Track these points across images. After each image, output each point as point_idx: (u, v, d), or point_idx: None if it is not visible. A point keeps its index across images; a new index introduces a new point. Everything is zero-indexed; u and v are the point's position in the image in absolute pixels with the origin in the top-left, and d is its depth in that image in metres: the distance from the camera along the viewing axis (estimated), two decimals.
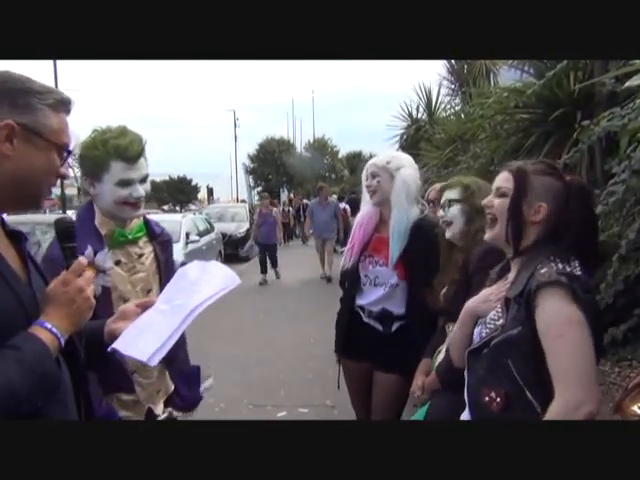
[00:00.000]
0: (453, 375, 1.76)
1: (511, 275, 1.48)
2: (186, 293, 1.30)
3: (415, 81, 25.22)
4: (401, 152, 2.66)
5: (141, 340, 1.24)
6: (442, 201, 2.14)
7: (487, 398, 1.38)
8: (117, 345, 1.24)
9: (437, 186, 2.41)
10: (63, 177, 1.18)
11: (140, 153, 1.89)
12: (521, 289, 1.35)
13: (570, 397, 1.24)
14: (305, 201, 20.51)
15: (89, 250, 1.72)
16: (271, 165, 36.88)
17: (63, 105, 1.15)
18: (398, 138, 11.80)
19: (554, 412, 1.25)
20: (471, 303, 1.54)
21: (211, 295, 1.27)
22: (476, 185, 2.10)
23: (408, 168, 2.48)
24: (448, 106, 10.46)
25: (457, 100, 10.14)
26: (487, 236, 1.51)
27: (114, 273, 1.85)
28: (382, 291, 2.43)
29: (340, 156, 38.73)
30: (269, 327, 7.05)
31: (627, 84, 3.11)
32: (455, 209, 2.09)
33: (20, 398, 0.98)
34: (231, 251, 13.73)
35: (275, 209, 11.99)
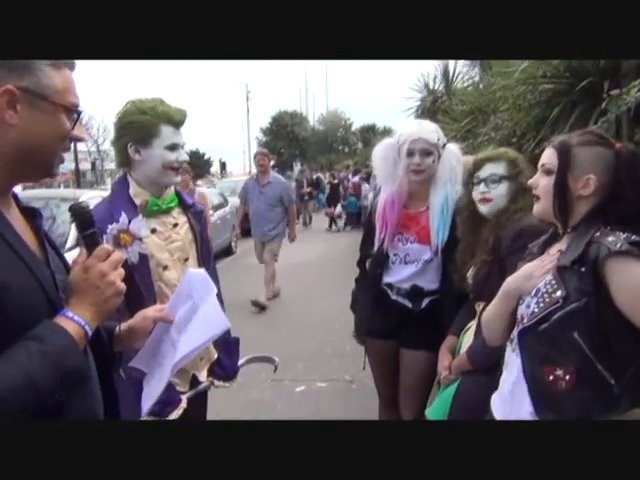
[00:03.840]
0: (487, 357, 1.72)
1: (557, 247, 1.43)
2: (184, 327, 1.28)
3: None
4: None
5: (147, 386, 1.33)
6: (483, 175, 1.97)
7: (551, 377, 1.32)
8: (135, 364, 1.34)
9: (470, 158, 2.25)
10: (77, 140, 1.11)
11: (185, 118, 1.98)
12: (577, 256, 1.30)
13: None
14: (318, 174, 19.25)
15: (123, 217, 1.76)
16: (284, 138, 36.61)
17: (65, 62, 1.05)
18: (414, 110, 11.59)
19: None
20: (513, 281, 1.47)
21: (195, 348, 1.26)
22: (522, 162, 2.00)
23: (452, 145, 2.38)
24: (466, 77, 10.22)
25: (476, 70, 9.90)
26: (535, 211, 1.46)
27: (150, 241, 1.90)
28: (414, 268, 2.36)
29: (353, 129, 38.30)
30: (284, 302, 7.04)
31: None
32: (503, 187, 1.94)
33: (44, 394, 0.93)
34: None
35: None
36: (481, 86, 7.70)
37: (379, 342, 2.50)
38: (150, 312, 1.31)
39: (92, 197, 6.48)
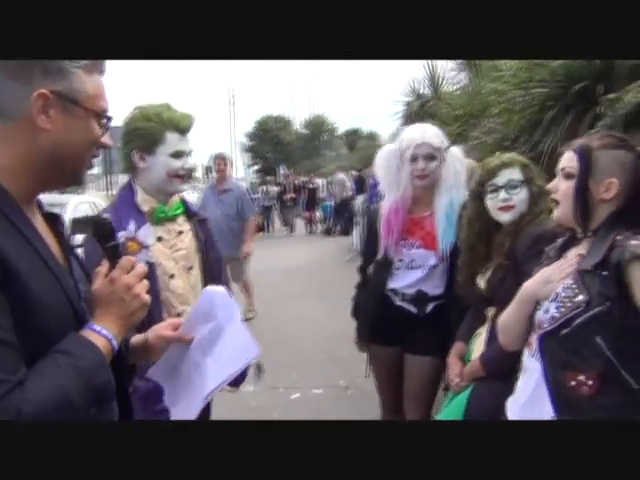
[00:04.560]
0: (502, 363, 1.69)
1: (575, 251, 1.41)
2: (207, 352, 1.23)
3: None
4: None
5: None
6: (501, 182, 1.91)
7: (574, 382, 1.30)
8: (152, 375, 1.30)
9: (471, 162, 2.20)
10: (104, 146, 1.08)
11: (192, 125, 1.93)
12: (599, 260, 1.28)
13: None
14: (303, 179, 18.64)
15: (132, 225, 1.71)
16: (269, 143, 36.55)
17: (96, 65, 1.02)
18: (401, 114, 11.63)
19: None
20: (531, 286, 1.45)
21: (228, 377, 1.22)
22: (532, 164, 1.98)
23: (455, 148, 2.36)
24: (454, 81, 10.27)
25: (463, 75, 9.95)
26: (555, 216, 1.44)
27: (157, 249, 1.86)
28: (420, 273, 2.33)
29: (338, 133, 38.36)
30: (276, 308, 6.98)
31: None
32: (523, 193, 1.90)
33: (78, 410, 0.89)
34: None
35: None
36: (470, 89, 7.72)
37: (383, 348, 2.47)
38: (166, 332, 1.25)
39: (80, 202, 6.40)
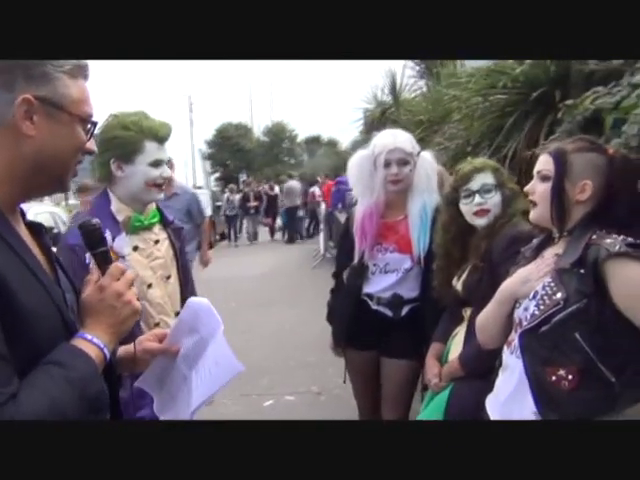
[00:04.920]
0: (481, 362, 1.73)
1: (552, 251, 1.46)
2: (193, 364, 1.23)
3: (378, 62, 25.11)
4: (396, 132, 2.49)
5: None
6: (475, 186, 1.95)
7: (554, 377, 1.35)
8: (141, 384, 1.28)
9: (440, 168, 2.24)
10: (90, 153, 1.06)
11: (170, 133, 1.93)
12: (576, 258, 1.33)
13: None
14: (264, 187, 18.14)
15: (107, 235, 1.68)
16: (229, 150, 36.34)
17: (80, 70, 1.01)
18: (362, 121, 11.75)
19: None
20: (509, 285, 1.50)
21: (212, 394, 1.22)
22: (502, 168, 2.04)
23: (426, 152, 2.41)
24: (414, 87, 10.44)
25: (422, 82, 10.13)
26: (531, 216, 1.49)
27: (133, 259, 1.85)
28: (395, 277, 2.36)
29: (299, 140, 38.44)
30: (242, 316, 6.94)
31: None
32: (497, 196, 1.94)
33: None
34: None
35: None
36: (430, 96, 7.87)
37: (359, 353, 2.49)
38: (151, 344, 1.23)
39: (39, 212, 6.23)
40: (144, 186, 1.89)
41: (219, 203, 17.14)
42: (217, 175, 37.79)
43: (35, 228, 1.05)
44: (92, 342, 0.96)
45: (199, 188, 25.94)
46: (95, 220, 1.10)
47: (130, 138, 1.84)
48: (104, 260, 1.06)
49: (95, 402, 0.93)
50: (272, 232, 16.65)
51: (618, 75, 3.47)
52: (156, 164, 1.89)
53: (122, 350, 1.21)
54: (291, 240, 15.64)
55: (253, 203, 16.40)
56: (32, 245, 1.01)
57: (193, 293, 2.13)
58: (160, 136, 1.89)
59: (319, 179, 16.35)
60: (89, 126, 1.02)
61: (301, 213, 16.15)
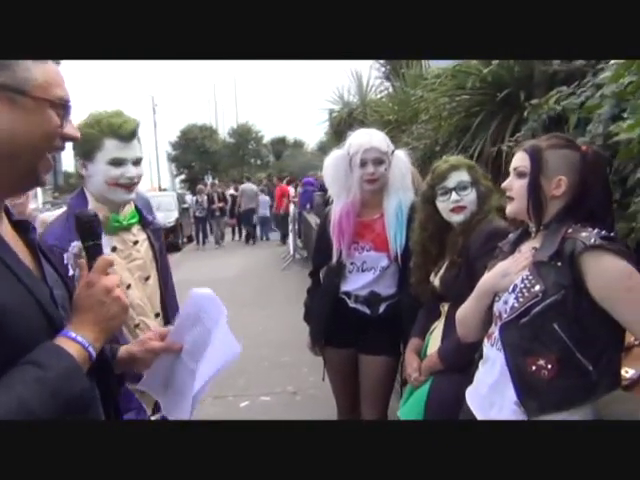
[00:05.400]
0: (460, 356, 1.77)
1: (529, 245, 1.51)
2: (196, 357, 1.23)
3: (344, 64, 25.23)
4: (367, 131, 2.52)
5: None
6: (451, 184, 1.99)
7: (534, 367, 1.40)
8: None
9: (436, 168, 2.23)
10: (70, 139, 1.00)
11: (134, 132, 1.85)
12: (553, 251, 1.38)
13: None
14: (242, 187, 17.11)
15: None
16: (194, 152, 35.99)
17: None
18: (329, 121, 11.82)
19: None
20: (489, 279, 1.54)
21: (212, 375, 1.21)
22: (476, 166, 2.09)
23: (400, 151, 2.45)
24: (381, 88, 10.55)
25: (388, 83, 10.24)
26: (508, 211, 1.54)
27: None
28: (372, 275, 2.39)
29: (265, 141, 38.31)
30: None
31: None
32: (472, 193, 1.99)
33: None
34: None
35: None
36: (398, 97, 7.95)
37: (338, 351, 2.51)
38: (154, 344, 1.22)
39: None
40: (105, 185, 1.84)
41: (185, 205, 16.94)
42: (182, 177, 37.41)
43: (22, 226, 1.03)
44: (75, 340, 0.93)
45: (164, 190, 25.63)
46: (92, 211, 1.08)
47: (89, 136, 1.79)
48: (96, 253, 1.04)
49: (78, 401, 0.91)
50: (239, 233, 16.67)
51: (580, 75, 3.60)
52: (116, 162, 1.82)
53: (123, 350, 1.20)
54: (247, 241, 15.77)
55: (218, 205, 16.18)
56: (17, 244, 0.99)
57: (173, 294, 2.13)
58: (120, 133, 1.82)
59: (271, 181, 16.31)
60: (62, 111, 0.96)
61: (267, 214, 16.03)
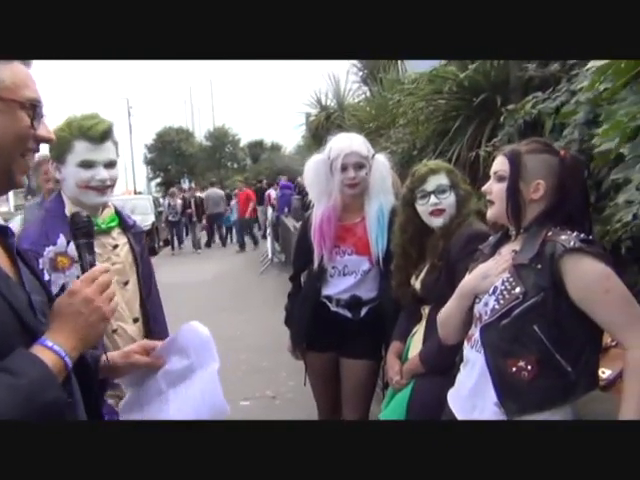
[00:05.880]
0: (441, 359, 1.79)
1: (509, 247, 1.53)
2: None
3: (321, 67, 25.30)
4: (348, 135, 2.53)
5: None
6: (430, 187, 2.01)
7: (514, 368, 1.41)
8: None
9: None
10: (43, 140, 1.00)
11: (105, 134, 1.82)
12: (534, 254, 1.40)
13: None
14: (208, 192, 16.94)
15: (62, 239, 1.63)
16: (170, 155, 35.71)
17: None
18: (307, 125, 11.84)
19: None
20: (469, 281, 1.56)
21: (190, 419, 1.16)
22: (456, 170, 2.11)
23: (380, 155, 2.46)
24: (359, 92, 10.61)
25: (366, 87, 10.29)
26: (489, 215, 1.55)
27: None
28: (353, 279, 2.39)
29: (242, 145, 38.18)
30: (185, 323, 6.83)
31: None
32: (451, 197, 2.01)
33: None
34: None
35: None
36: (375, 101, 8.00)
37: (319, 355, 2.51)
38: (138, 359, 1.21)
39: None
40: (76, 188, 1.82)
41: (161, 209, 16.75)
42: (158, 180, 37.09)
43: (0, 231, 1.02)
44: (52, 349, 0.93)
45: (139, 193, 25.36)
46: (86, 214, 1.10)
47: (60, 138, 1.76)
48: (87, 252, 1.06)
49: (50, 408, 0.90)
50: (212, 237, 16.51)
51: (555, 81, 3.67)
52: (86, 165, 1.80)
53: (105, 358, 1.18)
54: (223, 244, 15.83)
55: (190, 209, 15.85)
56: None
57: (158, 298, 2.11)
58: (90, 135, 1.79)
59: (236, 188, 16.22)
60: (32, 112, 0.96)
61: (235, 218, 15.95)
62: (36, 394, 0.87)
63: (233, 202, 16.41)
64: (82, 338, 0.97)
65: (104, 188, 1.84)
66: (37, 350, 0.92)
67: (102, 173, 1.82)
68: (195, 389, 1.16)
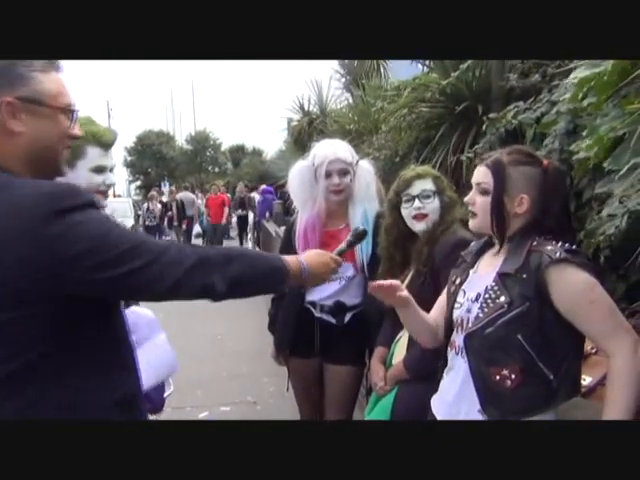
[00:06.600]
0: (425, 365, 1.80)
1: (491, 255, 1.56)
2: None
3: (304, 73, 25.56)
4: (333, 141, 2.53)
5: None
6: (415, 192, 2.04)
7: (498, 377, 1.42)
8: None
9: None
10: (75, 137, 1.23)
11: (115, 140, 1.91)
12: (520, 264, 1.42)
13: (630, 342, 1.35)
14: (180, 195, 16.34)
15: None
16: (151, 158, 35.39)
17: (52, 65, 1.16)
18: (289, 130, 11.84)
19: (627, 361, 1.33)
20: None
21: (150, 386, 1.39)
22: (442, 176, 2.13)
23: (364, 161, 2.46)
24: (341, 98, 10.64)
25: (349, 94, 10.32)
26: (471, 226, 1.56)
27: None
28: (337, 285, 2.39)
29: (223, 149, 37.99)
30: (172, 327, 6.76)
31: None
32: (436, 202, 2.03)
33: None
34: None
35: None
36: (358, 107, 8.03)
37: (303, 361, 2.50)
38: None
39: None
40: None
41: (141, 212, 16.56)
42: (138, 183, 36.75)
43: None
44: (297, 258, 1.35)
45: (118, 197, 25.08)
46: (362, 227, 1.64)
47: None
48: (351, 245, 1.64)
49: (275, 284, 1.35)
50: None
51: (536, 91, 3.73)
52: (99, 170, 1.86)
53: None
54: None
55: (170, 213, 15.53)
56: None
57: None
58: (104, 142, 1.86)
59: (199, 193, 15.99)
60: (70, 114, 1.18)
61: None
62: (266, 267, 1.27)
63: (201, 206, 16.04)
64: (318, 274, 1.39)
65: (107, 192, 1.94)
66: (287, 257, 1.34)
67: (111, 177, 1.92)
68: (150, 354, 1.36)
